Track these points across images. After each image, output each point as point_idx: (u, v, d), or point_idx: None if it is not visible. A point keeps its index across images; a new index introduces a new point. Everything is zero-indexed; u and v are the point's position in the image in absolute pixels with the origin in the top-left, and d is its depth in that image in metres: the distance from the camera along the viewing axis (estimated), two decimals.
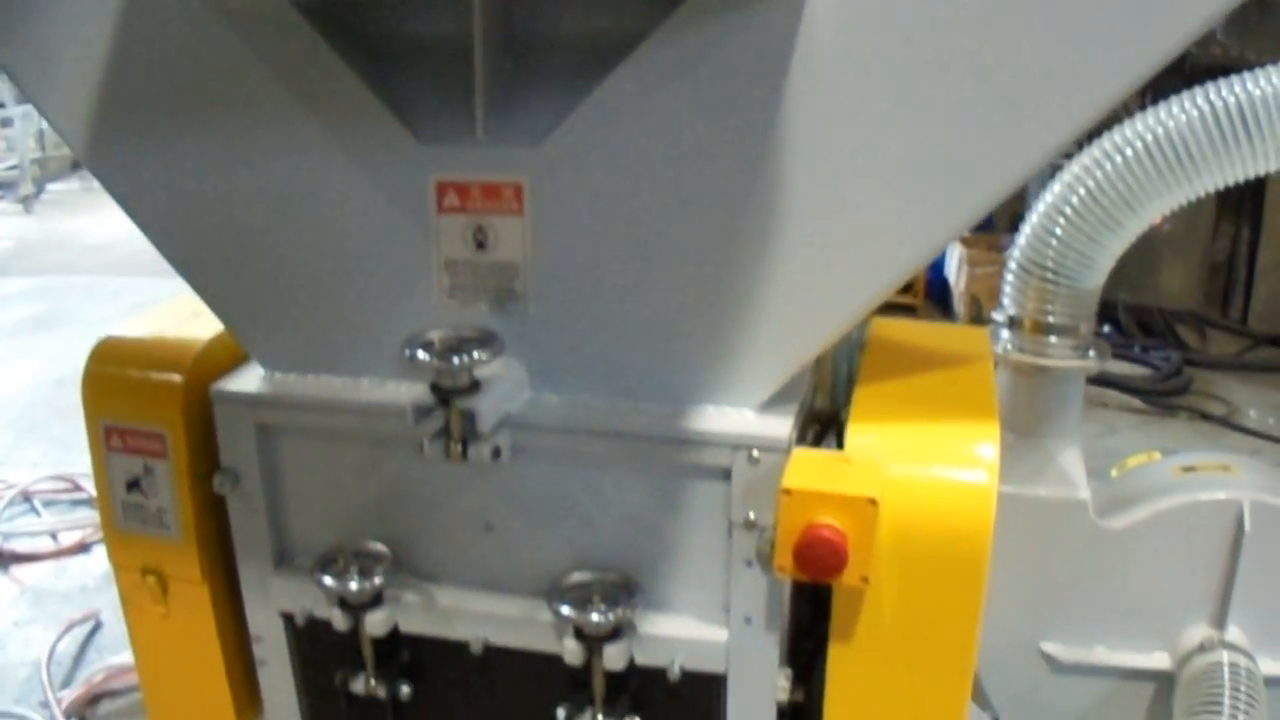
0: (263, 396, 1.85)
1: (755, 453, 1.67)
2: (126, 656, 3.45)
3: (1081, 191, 2.07)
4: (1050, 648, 2.39)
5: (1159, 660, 2.37)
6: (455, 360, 1.61)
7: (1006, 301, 2.22)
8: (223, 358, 1.97)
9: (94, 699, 3.66)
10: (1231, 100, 1.94)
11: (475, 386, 1.65)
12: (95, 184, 1.86)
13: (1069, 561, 2.33)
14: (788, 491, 1.54)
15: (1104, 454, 5.47)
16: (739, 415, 1.72)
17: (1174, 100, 2.01)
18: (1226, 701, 2.14)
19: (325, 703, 2.00)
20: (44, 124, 9.82)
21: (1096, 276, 2.17)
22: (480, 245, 1.74)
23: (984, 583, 1.65)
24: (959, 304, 7.58)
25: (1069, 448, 2.31)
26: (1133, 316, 7.56)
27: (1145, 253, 7.47)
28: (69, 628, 4.04)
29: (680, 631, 1.79)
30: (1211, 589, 2.32)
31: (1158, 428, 6.17)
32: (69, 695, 3.64)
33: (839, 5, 1.55)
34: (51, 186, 12.72)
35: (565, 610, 1.71)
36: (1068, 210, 2.09)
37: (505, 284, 1.75)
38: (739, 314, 1.69)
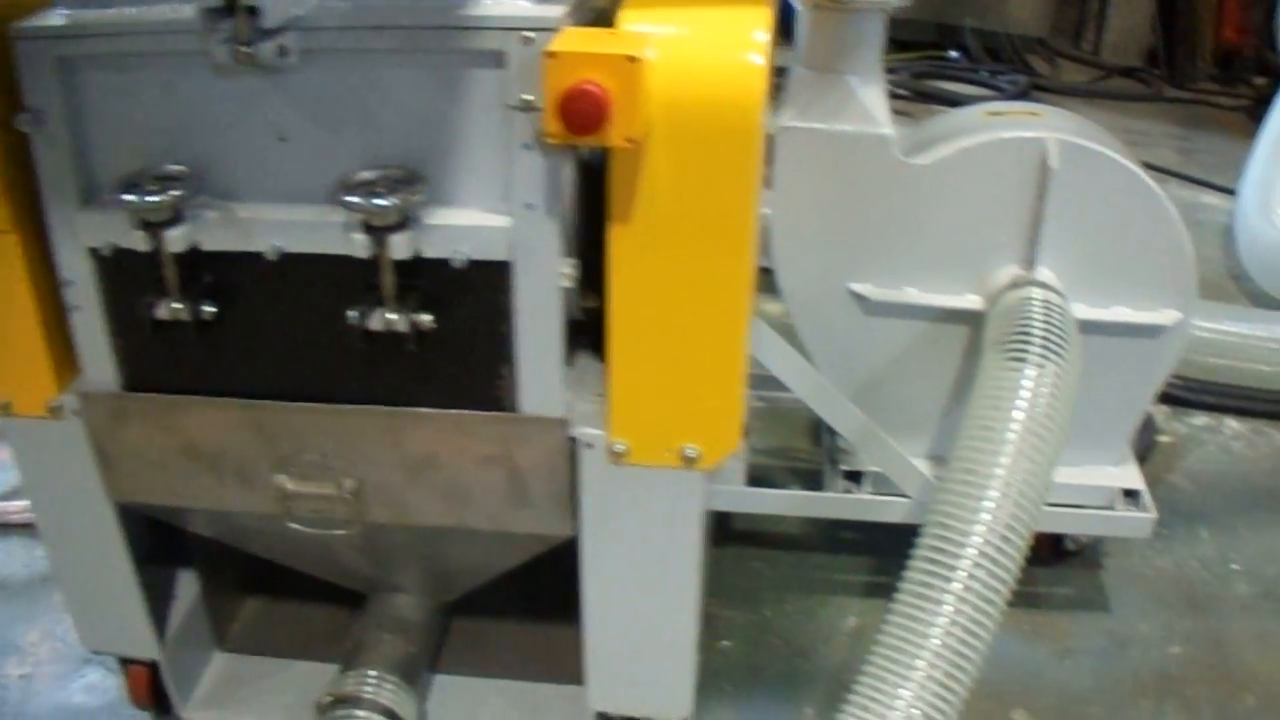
0: (62, 29, 1.88)
1: (528, 33, 1.74)
2: None
3: None
4: (860, 288, 2.53)
5: (970, 301, 2.53)
6: None
7: None
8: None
9: None
10: None
11: None
12: None
13: (874, 200, 2.46)
14: (551, 54, 1.63)
15: None
16: (513, 2, 1.78)
17: None
18: (1037, 332, 2.26)
19: (135, 342, 2.07)
20: None
21: None
22: None
23: (757, 157, 1.76)
24: None
25: (871, 85, 2.42)
26: (981, 42, 7.71)
27: None
28: None
29: (465, 221, 1.88)
30: (1021, 230, 2.47)
31: None
32: None
33: None
34: None
35: (351, 200, 1.79)
36: None
37: None
38: None
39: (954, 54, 7.64)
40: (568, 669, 2.39)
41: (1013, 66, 7.57)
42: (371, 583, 2.52)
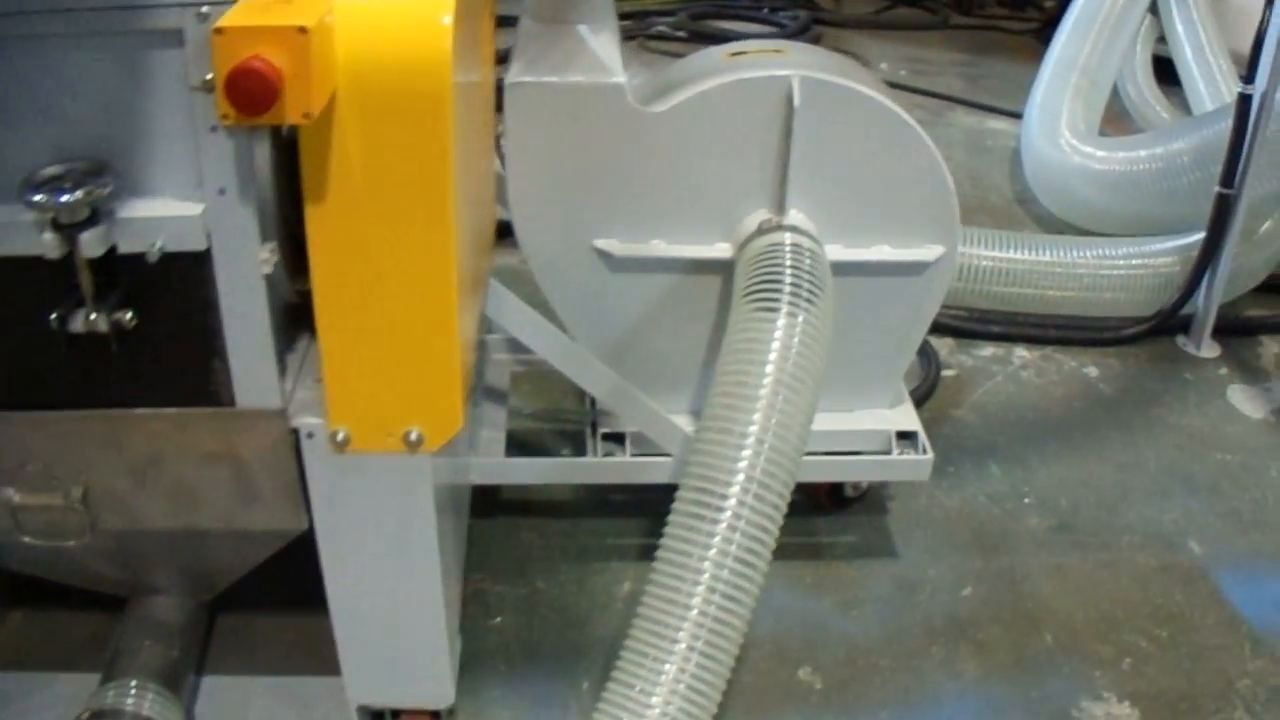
0: None
1: (204, 9, 1.65)
2: None
3: None
4: (604, 244, 2.45)
5: (721, 251, 2.46)
6: None
7: None
8: None
9: None
10: None
11: None
12: None
13: (612, 152, 2.37)
14: (219, 30, 1.53)
15: None
16: None
17: None
18: (787, 278, 2.20)
19: None
20: None
21: None
22: None
23: (449, 123, 1.68)
24: None
25: (602, 32, 2.32)
26: None
27: None
28: None
29: (158, 211, 1.78)
30: (768, 173, 2.40)
31: None
32: None
33: None
34: None
35: (35, 198, 1.68)
36: None
37: None
38: None
39: None
40: (336, 661, 2.30)
41: (795, 1, 7.51)
42: (128, 587, 2.41)
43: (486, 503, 2.94)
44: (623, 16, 6.87)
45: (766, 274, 2.23)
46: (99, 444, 2.00)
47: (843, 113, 2.36)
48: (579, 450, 2.79)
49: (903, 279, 2.53)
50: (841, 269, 2.42)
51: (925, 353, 3.61)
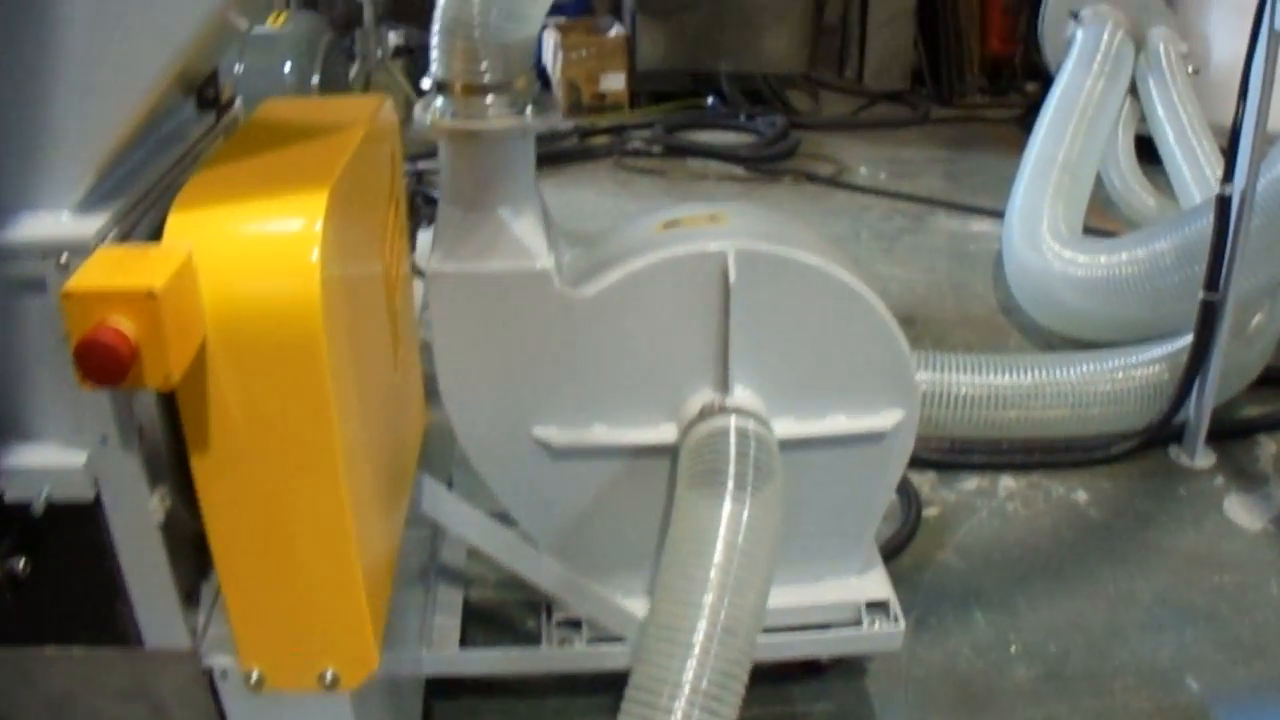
0: None
1: (64, 258, 1.58)
2: None
3: None
4: (543, 433, 2.34)
5: (667, 433, 2.35)
6: None
7: (434, 67, 2.13)
8: None
9: None
10: None
11: None
12: None
13: (543, 338, 2.27)
14: (66, 295, 1.46)
15: None
16: (53, 218, 1.64)
17: None
18: (731, 469, 2.11)
19: None
20: None
21: (527, 27, 2.08)
22: None
23: (325, 368, 1.62)
24: (557, 91, 7.54)
25: (524, 215, 2.22)
26: (738, 86, 7.61)
27: (743, 21, 7.52)
28: None
29: (42, 460, 1.72)
30: (709, 351, 2.30)
31: (761, 195, 6.23)
32: None
33: None
34: None
35: None
36: None
37: None
38: (18, 106, 1.62)
39: (711, 101, 7.55)
40: None
41: (772, 108, 7.47)
42: None
43: (449, 683, 2.82)
44: (599, 132, 6.91)
45: (709, 464, 2.14)
46: (12, 680, 1.94)
47: (783, 284, 2.26)
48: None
49: (861, 448, 2.42)
50: (795, 444, 2.32)
51: (905, 492, 3.50)
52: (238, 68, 3.68)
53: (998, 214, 5.36)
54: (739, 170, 6.54)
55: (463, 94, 2.10)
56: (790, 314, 2.29)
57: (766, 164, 6.58)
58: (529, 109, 2.13)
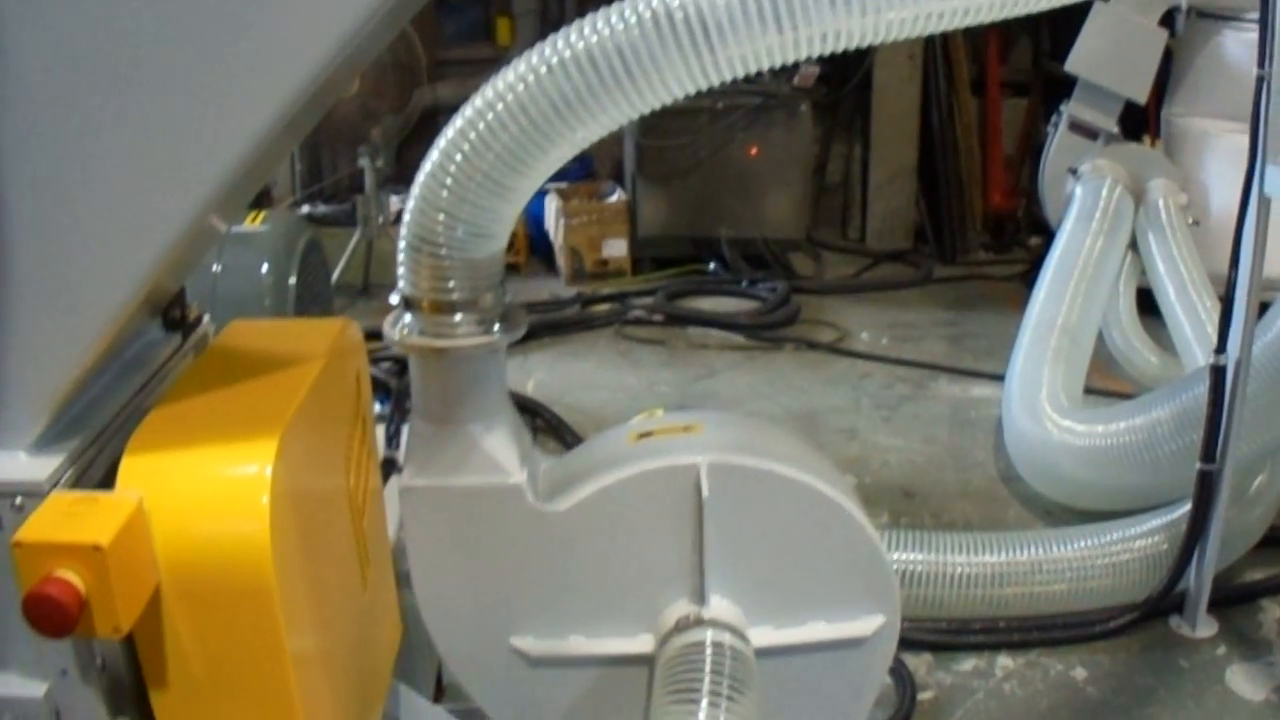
0: None
1: (18, 500, 1.60)
2: None
3: (458, 158, 1.98)
4: (521, 643, 2.32)
5: (644, 644, 2.33)
6: None
7: (402, 282, 2.14)
8: None
9: None
10: (605, 34, 1.87)
11: None
12: None
13: (518, 551, 2.26)
14: (17, 545, 1.48)
15: (701, 398, 5.57)
16: (8, 459, 1.67)
17: (550, 40, 1.94)
18: (706, 687, 2.08)
19: None
20: None
21: (494, 244, 2.09)
22: None
23: (277, 609, 1.64)
24: (560, 257, 7.59)
25: (495, 430, 2.23)
26: (739, 250, 7.67)
27: (742, 186, 7.60)
28: None
29: (3, 689, 1.72)
30: (684, 562, 2.28)
31: (762, 363, 6.26)
32: None
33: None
34: None
35: None
36: (448, 181, 2.00)
37: None
38: None
39: (712, 266, 7.59)
40: None
41: (774, 272, 7.50)
42: None
43: None
44: (601, 300, 6.94)
45: (684, 679, 2.11)
46: None
47: (757, 495, 2.25)
48: None
49: (843, 654, 2.39)
50: (774, 652, 2.29)
51: (900, 676, 3.46)
52: (215, 267, 3.71)
53: (999, 378, 5.36)
54: (740, 339, 6.57)
55: (430, 311, 2.10)
56: (766, 525, 2.28)
57: (767, 332, 6.61)
58: (497, 325, 2.13)
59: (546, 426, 5.36)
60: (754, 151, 7.47)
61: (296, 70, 1.65)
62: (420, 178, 2.02)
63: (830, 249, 8.19)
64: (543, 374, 6.03)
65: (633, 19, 1.85)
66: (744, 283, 7.30)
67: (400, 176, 7.44)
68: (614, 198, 7.68)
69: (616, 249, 7.53)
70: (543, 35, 5.62)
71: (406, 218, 2.06)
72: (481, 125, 1.93)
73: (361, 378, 2.27)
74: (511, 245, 7.55)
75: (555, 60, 1.88)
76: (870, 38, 1.89)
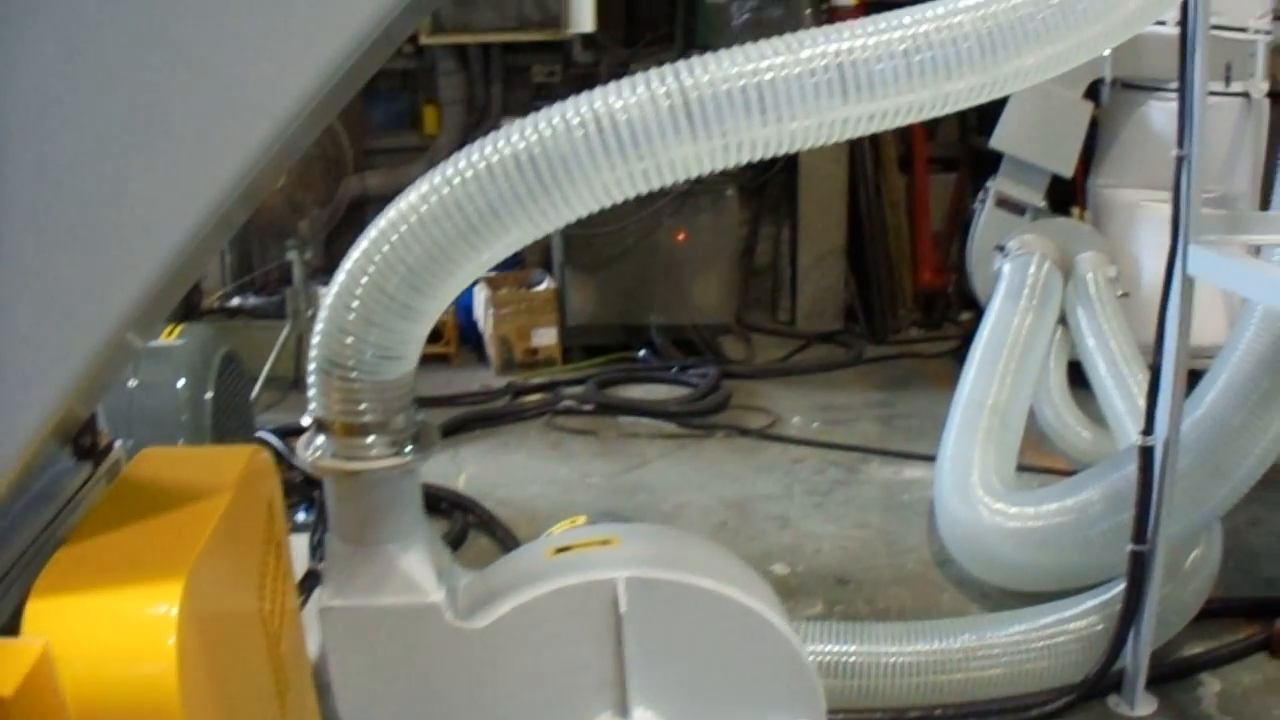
0: None
1: None
2: None
3: (364, 280, 1.98)
4: None
5: None
6: None
7: (313, 404, 2.14)
8: None
9: None
10: (506, 152, 1.88)
11: None
12: None
13: (438, 670, 2.25)
14: None
15: (633, 489, 5.56)
16: None
17: (453, 160, 1.94)
18: None
19: None
20: None
21: (404, 366, 2.09)
22: None
23: None
24: (489, 347, 7.58)
25: (412, 549, 2.22)
26: (669, 337, 7.70)
27: (671, 273, 7.63)
28: None
29: None
30: (606, 675, 2.28)
31: (694, 451, 6.27)
32: None
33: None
34: None
35: None
36: (355, 304, 2.00)
37: None
38: None
39: (643, 353, 7.61)
40: None
41: (705, 357, 7.54)
42: None
43: None
44: (531, 390, 6.94)
45: None
46: None
47: (676, 607, 2.25)
48: None
49: None
50: None
51: None
52: (131, 382, 3.69)
53: (932, 459, 5.38)
54: (671, 427, 6.57)
55: (342, 433, 2.10)
56: (686, 636, 2.28)
57: (698, 419, 6.62)
58: (409, 446, 2.13)
59: (479, 523, 5.33)
60: (681, 237, 7.50)
61: (221, 173, 1.64)
62: (327, 299, 2.02)
63: (761, 332, 8.22)
64: (475, 468, 6.01)
65: (533, 136, 1.87)
66: (675, 369, 7.32)
67: (330, 267, 7.39)
68: (542, 286, 7.69)
69: (546, 338, 7.54)
70: (469, 124, 5.74)
71: (315, 339, 2.07)
72: (386, 247, 1.94)
73: (274, 502, 2.26)
74: (441, 335, 7.56)
75: (457, 180, 1.89)
76: (788, 146, 1.92)
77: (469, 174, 1.88)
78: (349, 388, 2.06)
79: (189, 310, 7.27)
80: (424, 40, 7.72)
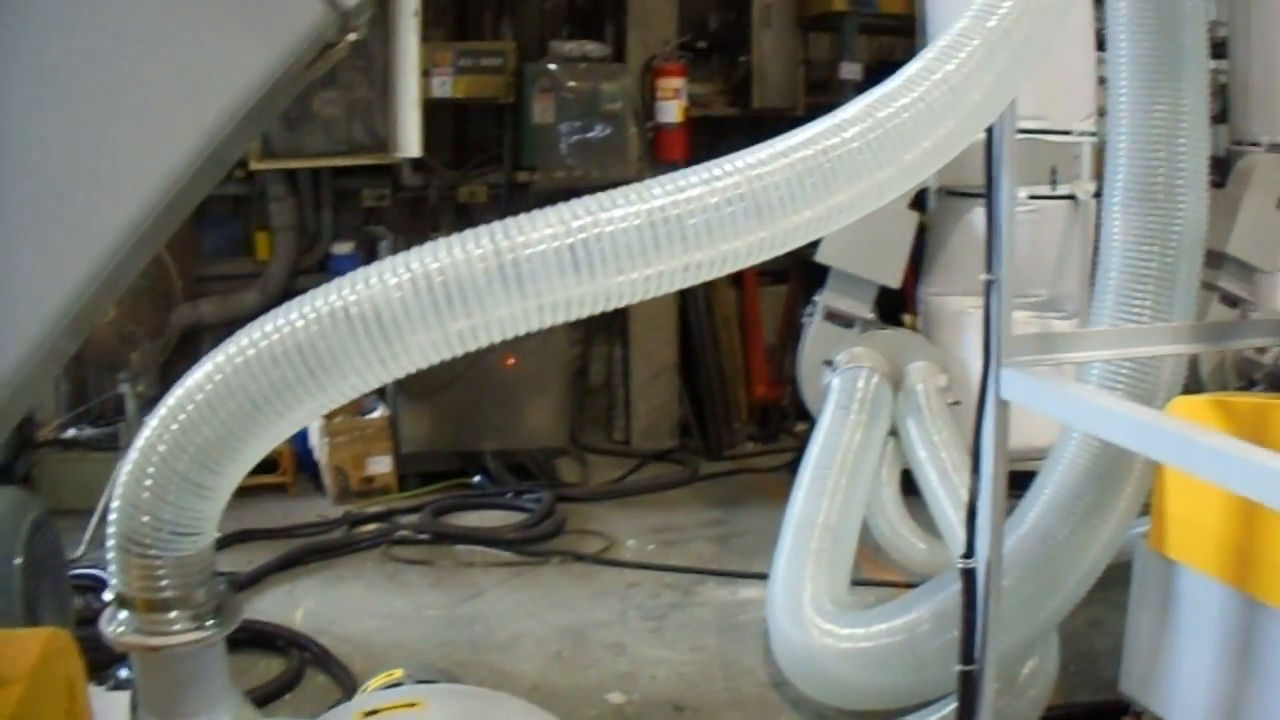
0: None
1: None
2: None
3: (155, 459, 1.98)
4: None
5: None
6: None
7: (113, 580, 2.12)
8: None
9: None
10: (285, 331, 1.89)
11: None
12: None
13: None
14: None
15: (469, 620, 5.51)
16: None
17: (235, 338, 1.94)
18: None
19: None
20: None
21: (202, 541, 2.08)
22: None
23: None
24: (325, 476, 7.51)
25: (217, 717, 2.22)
26: (503, 462, 7.69)
27: (503, 398, 7.64)
28: None
29: None
30: None
31: (529, 579, 6.25)
32: None
33: None
34: None
35: None
36: (148, 482, 1.99)
37: None
38: None
39: (478, 479, 7.57)
40: None
41: (540, 481, 7.55)
42: None
43: None
44: (367, 519, 6.86)
45: None
46: None
47: None
48: None
49: None
50: None
51: None
52: None
53: (766, 577, 5.38)
54: (506, 555, 6.54)
55: (144, 609, 2.09)
56: None
57: (533, 545, 6.60)
58: (211, 620, 2.12)
59: (315, 660, 5.24)
60: (511, 361, 7.49)
61: (44, 307, 1.62)
62: (122, 477, 2.02)
63: (597, 452, 8.23)
64: (312, 602, 5.92)
65: (311, 314, 1.88)
66: (509, 494, 7.30)
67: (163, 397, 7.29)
68: (376, 414, 7.63)
69: (381, 466, 7.47)
70: (301, 249, 5.66)
71: (112, 516, 2.06)
72: (175, 426, 1.94)
73: (75, 682, 2.23)
74: (278, 465, 7.46)
75: (240, 360, 1.90)
76: (605, 303, 1.95)
77: (251, 354, 1.90)
78: (148, 564, 2.05)
79: (23, 443, 7.10)
80: (254, 165, 7.64)
